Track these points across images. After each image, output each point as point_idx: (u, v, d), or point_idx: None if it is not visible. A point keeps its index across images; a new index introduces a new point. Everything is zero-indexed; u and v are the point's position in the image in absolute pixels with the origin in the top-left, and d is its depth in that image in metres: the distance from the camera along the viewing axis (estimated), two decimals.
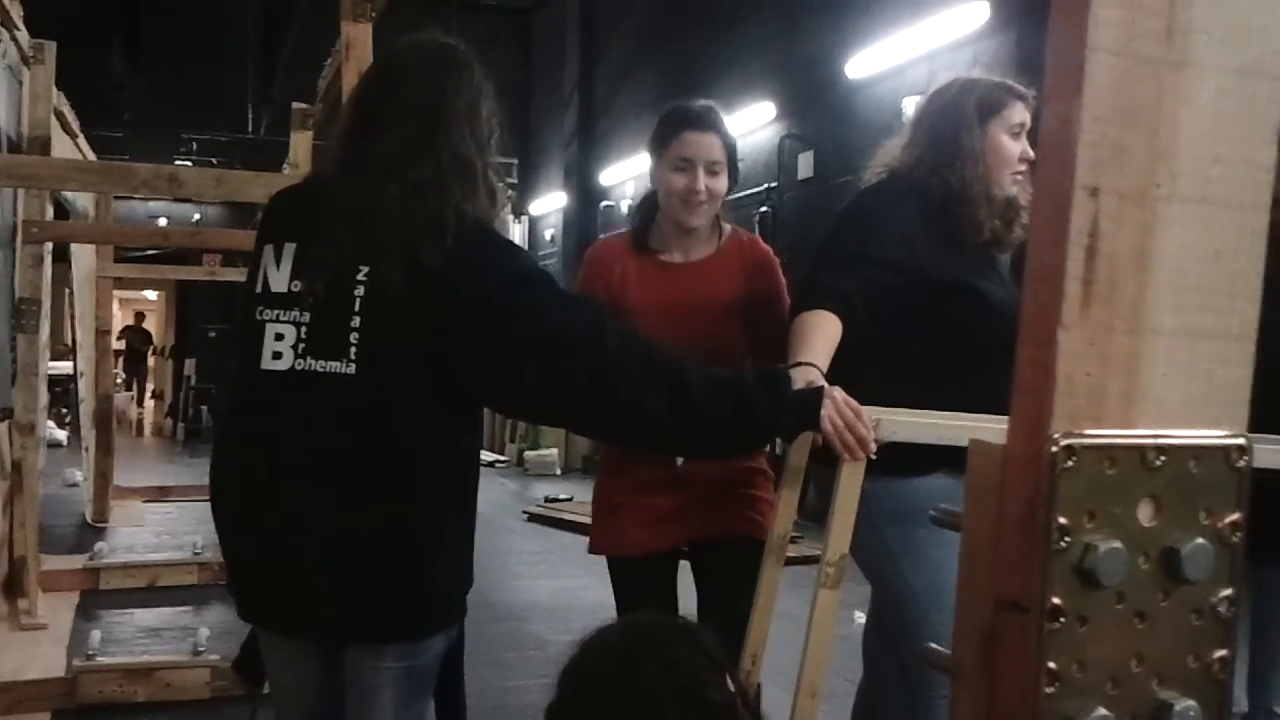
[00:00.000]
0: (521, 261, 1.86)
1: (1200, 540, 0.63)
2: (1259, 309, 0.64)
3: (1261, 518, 2.35)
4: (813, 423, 1.82)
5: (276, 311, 1.80)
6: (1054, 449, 0.60)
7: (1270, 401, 2.30)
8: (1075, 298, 0.60)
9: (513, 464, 12.56)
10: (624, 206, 12.73)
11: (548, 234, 15.61)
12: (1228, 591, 0.65)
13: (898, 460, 1.92)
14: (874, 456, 1.82)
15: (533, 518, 8.78)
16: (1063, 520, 0.61)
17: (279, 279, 1.82)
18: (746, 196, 9.49)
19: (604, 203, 13.54)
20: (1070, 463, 0.60)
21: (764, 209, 9.66)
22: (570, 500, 9.06)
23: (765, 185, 9.80)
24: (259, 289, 1.84)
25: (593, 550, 2.56)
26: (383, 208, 1.74)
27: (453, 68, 1.87)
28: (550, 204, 15.36)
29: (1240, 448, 0.64)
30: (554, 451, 12.01)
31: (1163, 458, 0.62)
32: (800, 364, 2.02)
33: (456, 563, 1.85)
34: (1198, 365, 0.63)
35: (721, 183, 2.41)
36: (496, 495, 9.83)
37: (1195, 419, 0.63)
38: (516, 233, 15.81)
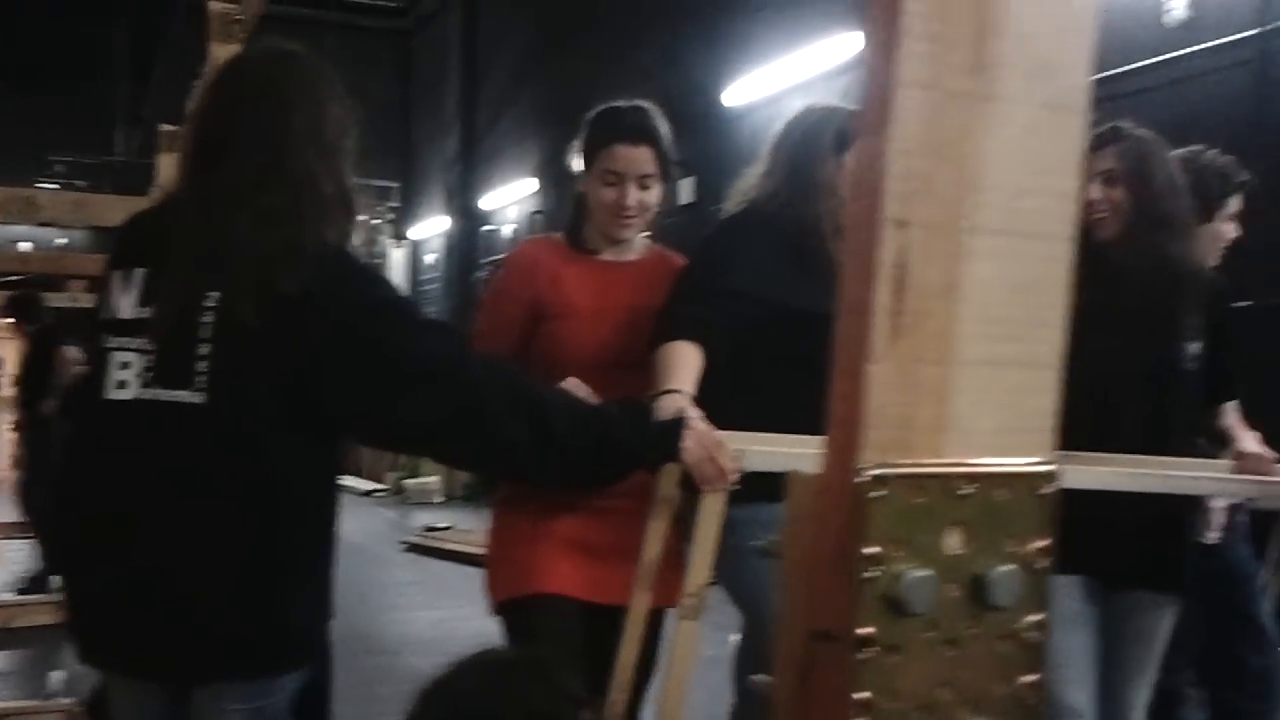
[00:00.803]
0: (381, 289, 1.83)
1: (1007, 567, 0.64)
2: (1065, 337, 0.65)
3: (1116, 544, 2.43)
4: (674, 454, 1.82)
5: (123, 339, 1.73)
6: (863, 479, 0.60)
7: (1097, 424, 2.39)
8: (884, 330, 0.60)
9: (392, 492, 12.35)
10: (507, 230, 12.67)
11: (429, 258, 15.45)
12: (1036, 617, 0.66)
13: (766, 488, 1.93)
14: (735, 487, 1.83)
15: (411, 548, 8.63)
16: (872, 549, 0.61)
17: (127, 305, 1.75)
18: None
19: (486, 227, 13.47)
20: (880, 492, 0.60)
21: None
22: (450, 529, 8.93)
23: None
24: (106, 316, 1.77)
25: (503, 598, 2.22)
26: (234, 236, 1.69)
27: (293, 80, 1.82)
28: (432, 228, 15.22)
29: (1045, 475, 0.65)
30: (435, 479, 11.85)
31: (970, 486, 0.63)
32: (669, 391, 2.03)
33: (311, 596, 1.79)
34: (1005, 394, 0.64)
35: (654, 194, 2.33)
36: (373, 525, 9.64)
37: (1003, 447, 0.64)
38: (398, 257, 15.62)
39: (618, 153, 2.29)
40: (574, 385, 2.02)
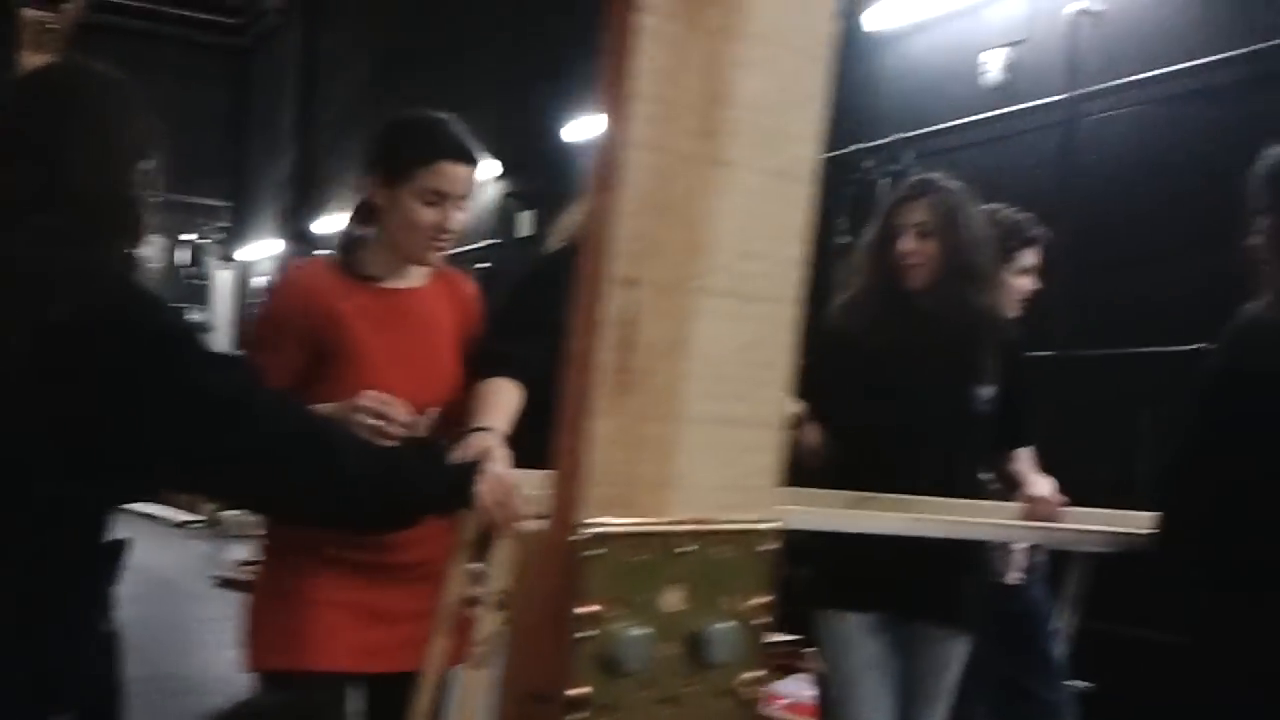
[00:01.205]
0: (163, 317, 1.74)
1: (726, 624, 0.65)
2: (786, 396, 0.67)
3: (910, 579, 2.49)
4: (467, 497, 1.78)
5: None
6: (581, 537, 0.60)
7: (899, 463, 2.47)
8: (608, 386, 0.60)
9: (207, 524, 11.85)
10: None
11: (258, 281, 15.00)
12: (752, 674, 0.67)
13: None
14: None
15: (224, 582, 8.28)
16: (589, 609, 0.60)
17: None
18: (468, 251, 9.46)
19: (319, 251, 13.17)
20: (598, 551, 0.60)
21: (485, 264, 9.66)
22: None
23: (487, 241, 9.81)
24: None
25: (268, 667, 1.97)
26: (6, 258, 1.59)
27: (84, 94, 1.72)
28: (262, 250, 14.78)
29: (766, 533, 0.66)
30: None
31: (691, 544, 0.63)
32: (478, 430, 1.99)
33: (75, 636, 1.69)
34: (728, 452, 0.65)
35: (466, 214, 2.20)
36: (185, 559, 9.20)
37: (725, 505, 0.65)
38: (224, 278, 15.11)
39: (445, 170, 2.10)
40: (376, 400, 1.90)
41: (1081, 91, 5.29)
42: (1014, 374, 2.78)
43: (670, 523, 0.62)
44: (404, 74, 11.92)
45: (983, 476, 2.77)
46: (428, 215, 2.13)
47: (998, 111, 5.65)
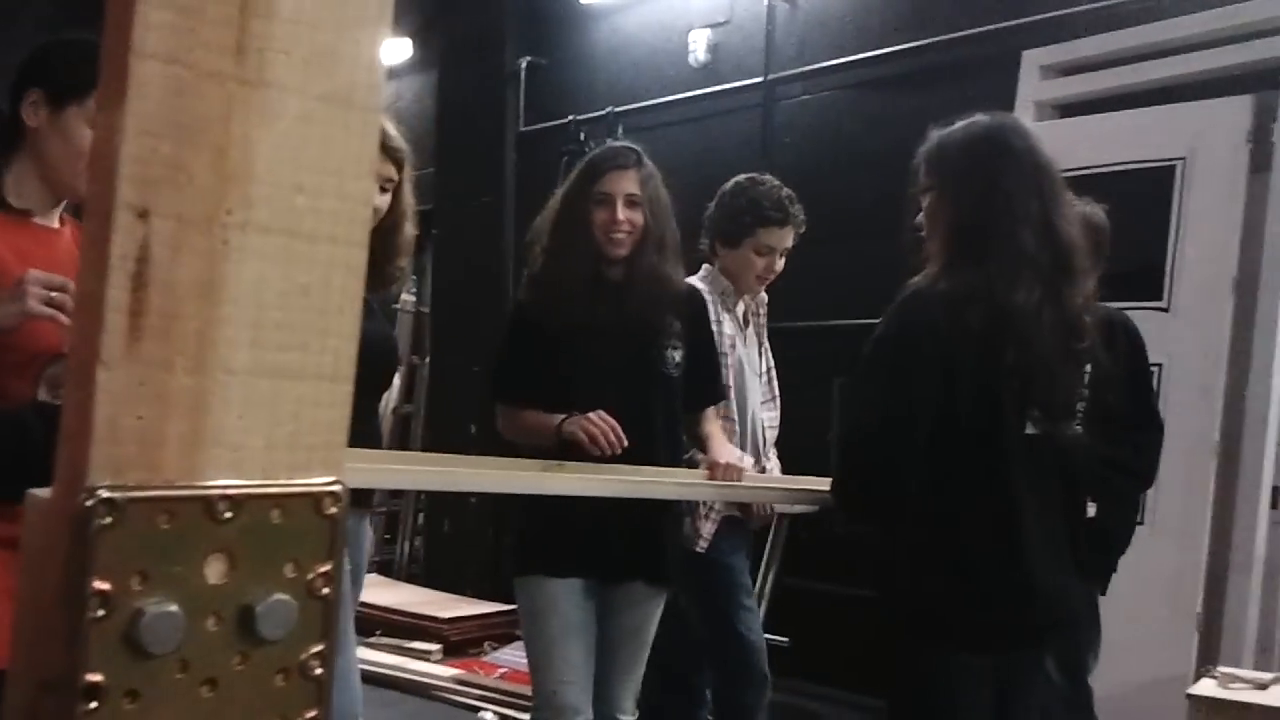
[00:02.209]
0: None
1: (281, 595, 0.59)
2: (355, 347, 0.61)
3: (610, 542, 2.51)
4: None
5: None
6: (90, 503, 0.52)
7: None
8: (120, 331, 0.53)
9: None
10: None
11: None
12: (318, 648, 0.61)
13: None
14: None
15: None
16: (103, 585, 0.53)
17: None
18: None
19: None
20: (110, 519, 0.53)
21: None
22: None
23: None
24: None
25: None
26: None
27: None
28: None
29: (333, 494, 0.61)
30: None
31: (234, 509, 0.57)
32: None
33: None
34: (283, 407, 0.59)
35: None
36: None
37: (281, 465, 0.59)
38: None
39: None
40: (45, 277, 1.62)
41: (777, 75, 5.51)
42: (700, 339, 2.86)
43: (207, 486, 0.55)
44: None
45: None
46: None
47: (703, 90, 5.81)
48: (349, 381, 0.61)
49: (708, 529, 3.16)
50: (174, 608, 0.55)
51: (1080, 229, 2.09)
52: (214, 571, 0.57)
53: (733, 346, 3.21)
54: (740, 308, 3.30)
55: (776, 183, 3.24)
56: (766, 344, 3.39)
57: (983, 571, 1.96)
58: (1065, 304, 1.97)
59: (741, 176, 3.30)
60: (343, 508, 0.61)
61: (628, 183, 2.71)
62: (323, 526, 0.60)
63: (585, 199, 2.70)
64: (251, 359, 0.57)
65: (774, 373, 3.35)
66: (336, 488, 0.61)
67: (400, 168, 2.34)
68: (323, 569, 0.61)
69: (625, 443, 2.46)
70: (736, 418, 3.17)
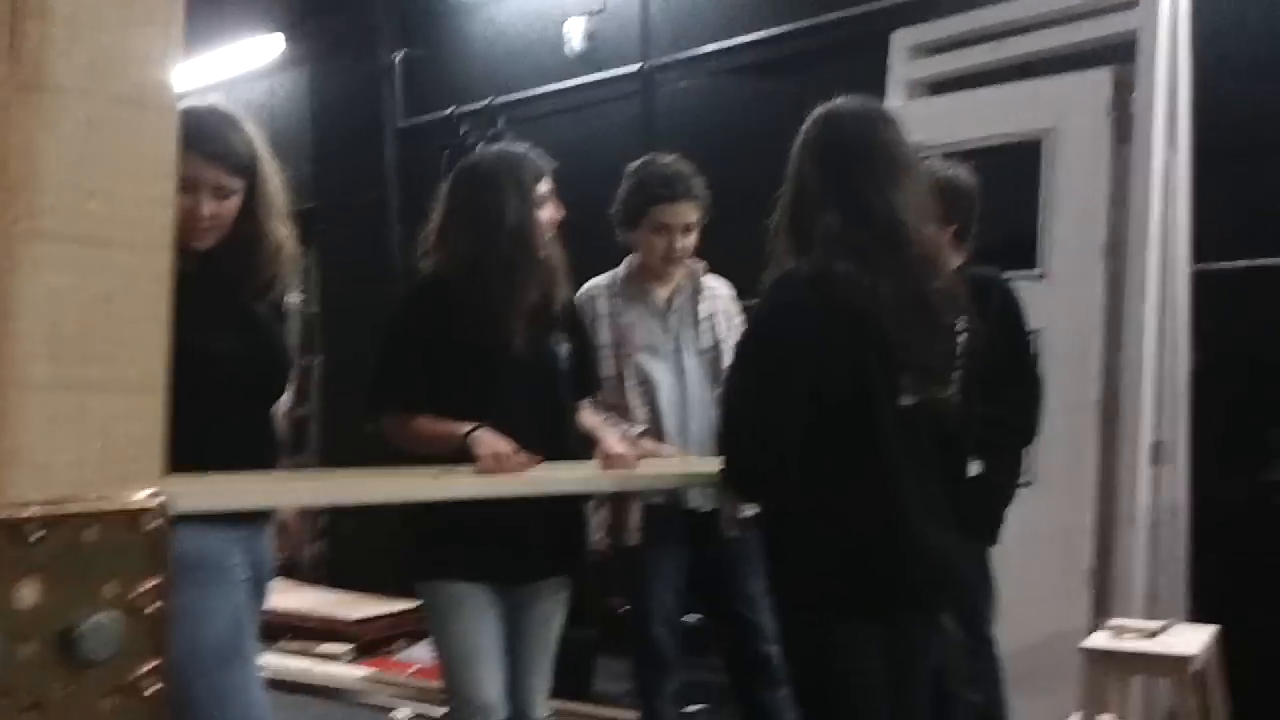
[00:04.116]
0: None
1: (103, 615, 0.57)
2: (165, 356, 0.60)
3: (522, 542, 2.49)
4: None
5: None
6: None
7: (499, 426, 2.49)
8: None
9: None
10: None
11: None
12: (149, 665, 0.59)
13: None
14: None
15: None
16: None
17: None
18: None
19: None
20: None
21: None
22: None
23: None
24: None
25: None
26: None
27: None
28: None
29: (151, 509, 0.59)
30: None
31: (44, 529, 0.55)
32: None
33: None
34: (90, 422, 0.57)
35: None
36: None
37: (90, 481, 0.57)
38: None
39: None
40: None
41: (655, 63, 5.52)
42: (579, 331, 2.86)
43: (13, 506, 0.53)
44: None
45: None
46: None
47: (581, 80, 5.79)
48: (160, 392, 0.59)
49: (633, 519, 3.13)
50: None
51: (921, 200, 2.12)
52: (27, 595, 0.55)
53: (635, 331, 3.13)
54: (665, 292, 3.19)
55: (670, 159, 3.20)
56: (715, 318, 3.23)
57: (864, 540, 2.00)
58: (903, 276, 2.01)
59: (638, 161, 3.26)
60: (165, 521, 0.59)
61: (548, 183, 2.74)
62: (143, 542, 0.59)
63: (530, 204, 2.68)
64: (51, 374, 0.55)
65: (721, 348, 3.18)
66: (155, 501, 0.59)
67: (244, 174, 2.22)
68: (147, 585, 0.59)
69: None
70: (644, 404, 3.10)
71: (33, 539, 0.54)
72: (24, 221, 0.53)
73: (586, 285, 3.16)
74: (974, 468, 2.78)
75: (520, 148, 2.87)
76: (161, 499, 0.59)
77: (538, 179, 2.70)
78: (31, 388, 0.54)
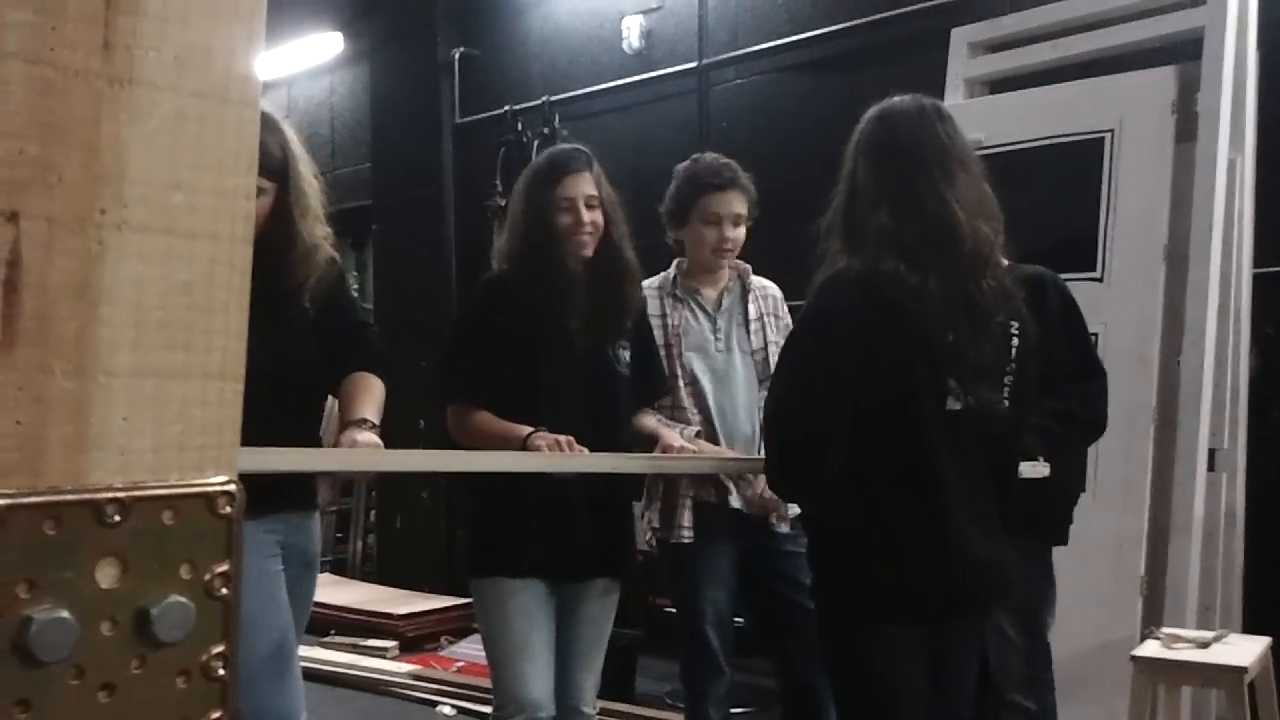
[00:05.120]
0: None
1: (177, 597, 0.58)
2: (244, 344, 0.61)
3: (573, 541, 2.52)
4: None
5: None
6: None
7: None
8: None
9: None
10: None
11: None
12: (219, 649, 0.61)
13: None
14: None
15: None
16: None
17: None
18: None
19: None
20: None
21: None
22: None
23: None
24: None
25: None
26: None
27: None
28: None
29: (227, 494, 0.60)
30: None
31: (125, 512, 0.56)
32: None
33: None
34: (169, 408, 0.58)
35: None
36: None
37: (171, 467, 0.58)
38: None
39: None
40: None
41: (711, 60, 5.52)
42: (643, 333, 2.87)
43: (94, 490, 0.55)
44: None
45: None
46: None
47: (638, 77, 5.80)
48: (239, 380, 0.61)
49: (686, 518, 3.13)
50: (65, 614, 0.54)
51: (978, 196, 2.10)
52: (105, 576, 0.56)
53: (685, 333, 3.12)
54: (714, 292, 3.19)
55: (716, 155, 3.22)
56: (764, 319, 3.24)
57: (907, 545, 1.99)
58: (952, 274, 1.99)
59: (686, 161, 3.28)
60: (238, 507, 0.61)
61: (586, 185, 2.72)
62: (218, 526, 0.60)
63: (548, 205, 2.70)
64: (134, 360, 0.56)
65: (770, 349, 3.18)
66: (230, 487, 0.60)
67: (275, 175, 2.22)
68: (220, 569, 0.60)
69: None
70: (694, 405, 3.08)
71: (112, 521, 0.56)
72: (112, 212, 0.54)
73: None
74: (1041, 468, 2.75)
75: (565, 148, 2.88)
76: (234, 485, 0.60)
77: (556, 181, 2.70)
78: (115, 374, 0.55)
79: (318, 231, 2.31)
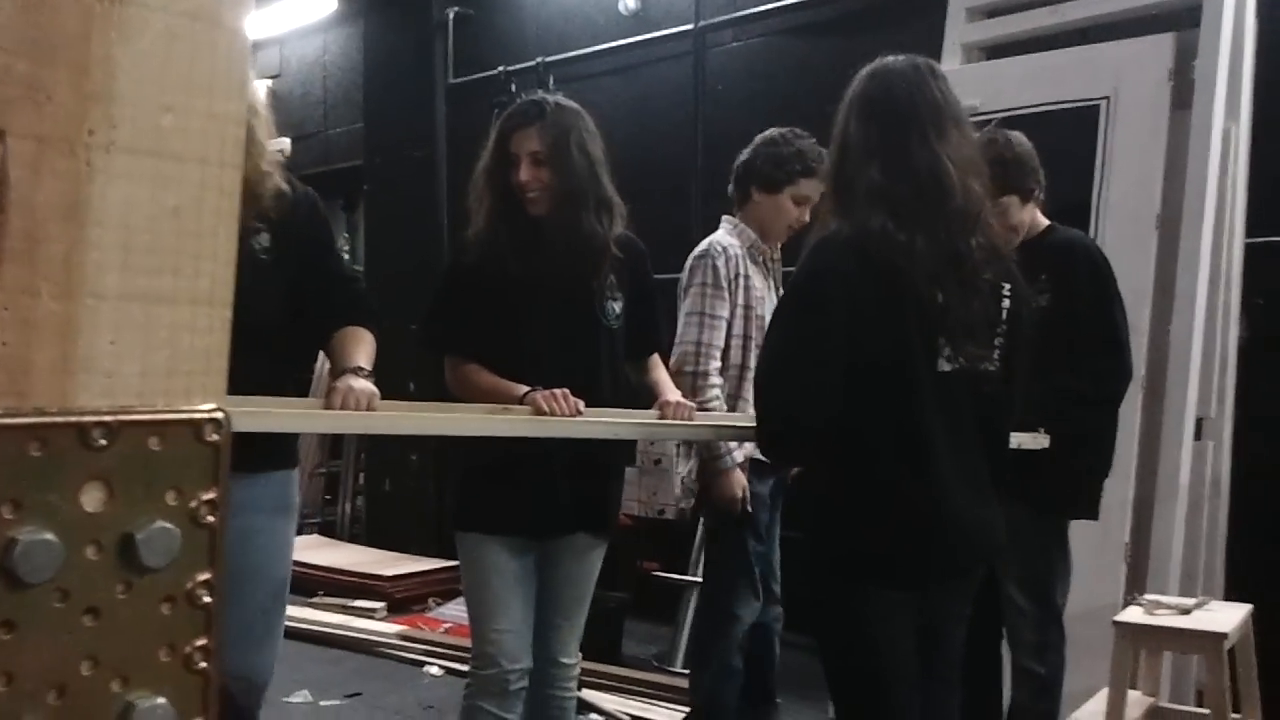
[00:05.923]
0: None
1: (163, 523, 0.58)
2: (234, 269, 0.60)
3: (555, 497, 2.52)
4: None
5: None
6: None
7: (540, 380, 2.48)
8: None
9: None
10: None
11: None
12: (204, 576, 0.61)
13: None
14: None
15: None
16: None
17: None
18: None
19: None
20: None
21: None
22: None
23: None
24: None
25: None
26: None
27: None
28: None
29: (214, 421, 0.60)
30: None
31: (110, 436, 0.56)
32: None
33: None
34: (157, 333, 0.58)
35: None
36: None
37: (155, 392, 0.58)
38: None
39: None
40: None
41: (707, 23, 5.48)
42: (641, 288, 2.85)
43: (80, 413, 0.54)
44: None
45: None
46: None
47: (634, 39, 5.76)
48: (227, 306, 0.60)
49: (676, 484, 3.20)
50: (50, 536, 0.54)
51: (969, 154, 2.09)
52: (91, 500, 0.56)
53: (761, 298, 3.27)
54: (761, 259, 3.37)
55: (813, 139, 3.30)
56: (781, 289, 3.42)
57: (898, 507, 1.99)
58: (940, 230, 1.98)
59: (779, 129, 3.33)
60: (225, 435, 0.60)
61: (529, 141, 2.68)
62: (205, 454, 0.60)
63: (503, 160, 2.68)
64: (122, 283, 0.56)
65: None
66: (218, 415, 0.60)
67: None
68: (206, 496, 0.60)
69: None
70: None
71: (98, 444, 0.55)
72: (101, 132, 0.54)
73: (724, 245, 3.25)
74: (1041, 439, 2.76)
75: (521, 101, 2.85)
76: (222, 412, 0.60)
77: (506, 137, 2.68)
78: (103, 297, 0.55)
79: (262, 165, 2.20)
